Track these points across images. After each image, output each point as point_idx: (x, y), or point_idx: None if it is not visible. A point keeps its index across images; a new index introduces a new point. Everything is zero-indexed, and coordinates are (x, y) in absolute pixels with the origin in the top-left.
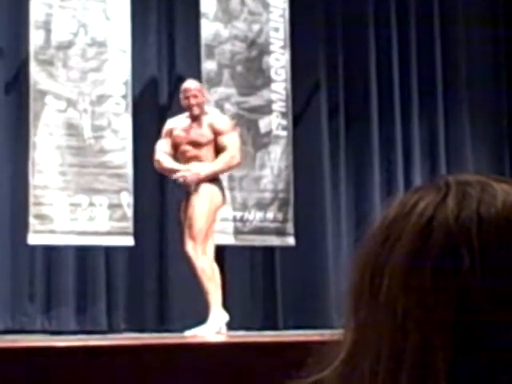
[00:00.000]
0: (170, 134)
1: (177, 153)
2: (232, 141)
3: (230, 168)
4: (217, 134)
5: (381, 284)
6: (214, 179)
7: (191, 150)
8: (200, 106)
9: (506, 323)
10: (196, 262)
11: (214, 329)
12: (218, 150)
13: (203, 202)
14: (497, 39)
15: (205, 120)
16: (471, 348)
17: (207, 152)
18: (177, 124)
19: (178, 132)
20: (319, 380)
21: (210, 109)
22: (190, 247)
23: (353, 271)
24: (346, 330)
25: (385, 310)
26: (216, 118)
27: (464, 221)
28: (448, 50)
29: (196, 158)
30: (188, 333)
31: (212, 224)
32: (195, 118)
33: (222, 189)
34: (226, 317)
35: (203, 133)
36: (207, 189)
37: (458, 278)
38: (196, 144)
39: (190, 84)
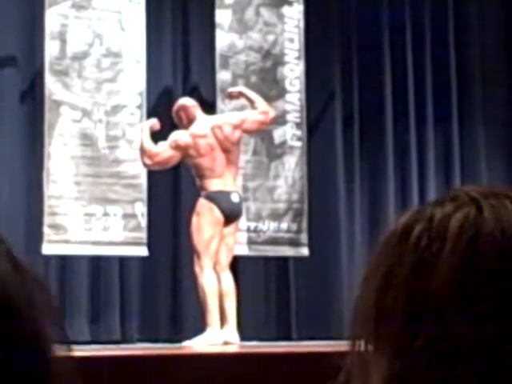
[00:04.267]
0: None
1: None
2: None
3: (140, 150)
4: None
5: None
6: (206, 195)
7: None
8: None
9: None
10: (198, 280)
11: (207, 342)
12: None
13: (193, 217)
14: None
15: None
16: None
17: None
18: None
19: None
20: None
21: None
22: (195, 264)
23: (364, 286)
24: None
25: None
26: None
27: (510, 232)
28: (463, 58)
29: None
30: (185, 343)
31: (212, 237)
32: None
33: (217, 202)
34: (221, 338)
35: None
36: (197, 204)
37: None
38: None
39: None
